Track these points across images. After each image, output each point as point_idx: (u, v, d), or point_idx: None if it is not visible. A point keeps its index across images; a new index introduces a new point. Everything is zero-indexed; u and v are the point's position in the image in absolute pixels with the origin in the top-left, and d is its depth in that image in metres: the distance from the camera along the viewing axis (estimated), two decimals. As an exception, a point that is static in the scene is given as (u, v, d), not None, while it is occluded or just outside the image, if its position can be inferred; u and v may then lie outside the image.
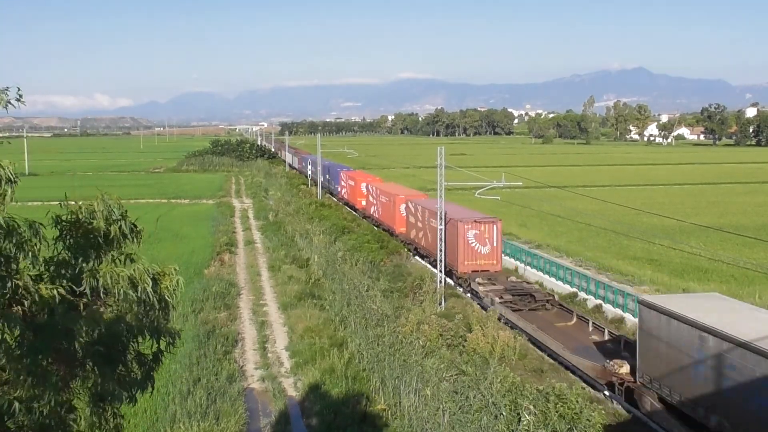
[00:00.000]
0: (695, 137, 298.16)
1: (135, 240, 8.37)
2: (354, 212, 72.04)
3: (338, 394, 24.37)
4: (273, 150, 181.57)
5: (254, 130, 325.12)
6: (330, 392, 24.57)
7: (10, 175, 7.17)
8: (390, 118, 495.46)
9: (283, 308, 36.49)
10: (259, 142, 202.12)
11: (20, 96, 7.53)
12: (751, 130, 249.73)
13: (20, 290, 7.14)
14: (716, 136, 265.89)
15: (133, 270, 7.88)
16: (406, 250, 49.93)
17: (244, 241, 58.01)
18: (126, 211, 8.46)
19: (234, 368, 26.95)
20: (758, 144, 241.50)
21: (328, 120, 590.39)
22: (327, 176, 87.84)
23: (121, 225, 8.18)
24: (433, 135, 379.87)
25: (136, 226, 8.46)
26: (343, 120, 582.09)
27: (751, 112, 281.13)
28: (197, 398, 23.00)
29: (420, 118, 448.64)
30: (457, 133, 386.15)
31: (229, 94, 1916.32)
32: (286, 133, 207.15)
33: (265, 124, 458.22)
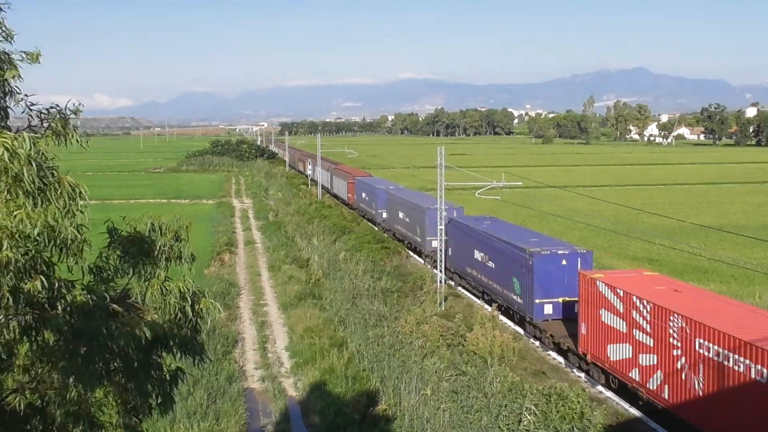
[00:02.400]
0: (695, 137, 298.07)
1: (190, 263, 8.62)
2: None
3: (338, 393, 24.37)
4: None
5: (254, 130, 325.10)
6: (330, 392, 24.57)
7: (83, 191, 7.34)
8: (390, 118, 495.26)
9: (283, 308, 36.48)
10: (258, 143, 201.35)
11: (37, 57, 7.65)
12: (751, 130, 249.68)
13: (56, 293, 7.24)
14: (716, 136, 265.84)
15: (182, 285, 8.14)
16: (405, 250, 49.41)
17: (244, 241, 58.00)
18: (187, 235, 8.63)
19: (234, 368, 26.95)
20: (758, 144, 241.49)
21: (328, 120, 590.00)
22: (505, 267, 33.51)
23: (180, 248, 8.45)
24: (433, 135, 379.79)
25: (193, 256, 8.73)
26: (343, 120, 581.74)
27: (751, 112, 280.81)
28: (197, 398, 22.98)
29: (420, 118, 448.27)
30: (457, 133, 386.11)
31: (229, 94, 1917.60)
32: (286, 133, 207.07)
33: (265, 124, 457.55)
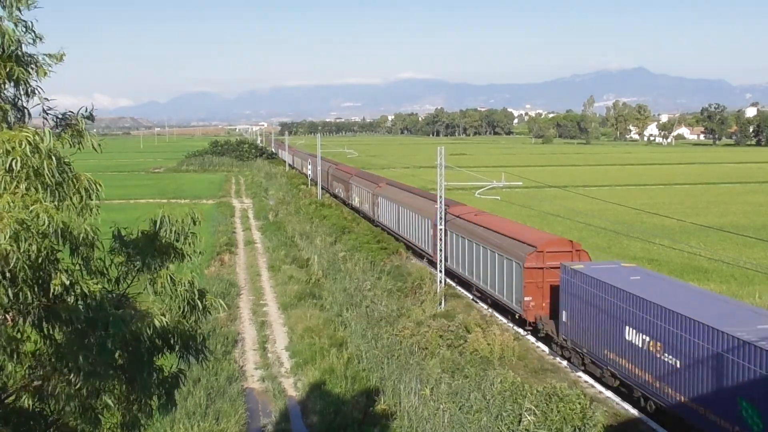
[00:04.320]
0: (695, 137, 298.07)
1: (198, 258, 8.69)
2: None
3: (338, 393, 24.36)
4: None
5: (254, 130, 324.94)
6: (330, 392, 24.56)
7: (100, 189, 7.49)
8: (390, 118, 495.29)
9: (283, 308, 36.47)
10: (258, 142, 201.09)
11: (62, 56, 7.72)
12: (751, 130, 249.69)
13: (70, 285, 7.28)
14: (716, 136, 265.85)
15: (190, 278, 8.27)
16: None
17: (244, 241, 57.98)
18: (194, 231, 8.66)
19: (234, 368, 26.94)
20: (758, 144, 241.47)
21: (328, 120, 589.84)
22: None
23: (189, 242, 8.55)
24: (433, 135, 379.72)
25: (201, 253, 8.88)
26: (343, 120, 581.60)
27: (751, 112, 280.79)
28: (197, 398, 22.97)
29: (420, 118, 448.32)
30: (457, 133, 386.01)
31: (229, 94, 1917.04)
32: (286, 133, 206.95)
33: (265, 124, 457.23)
